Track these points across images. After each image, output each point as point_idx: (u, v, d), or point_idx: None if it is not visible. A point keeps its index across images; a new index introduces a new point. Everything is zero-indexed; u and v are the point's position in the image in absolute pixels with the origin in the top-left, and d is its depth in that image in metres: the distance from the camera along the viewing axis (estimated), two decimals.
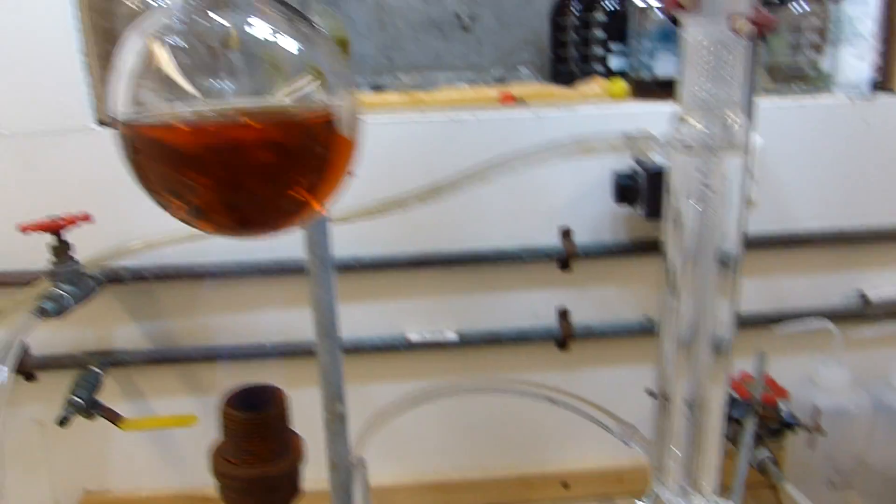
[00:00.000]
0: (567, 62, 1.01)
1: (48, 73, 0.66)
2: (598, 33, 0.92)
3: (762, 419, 0.69)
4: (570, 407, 0.62)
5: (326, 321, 0.54)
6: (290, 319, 0.76)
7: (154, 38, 0.31)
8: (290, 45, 0.32)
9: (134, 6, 0.68)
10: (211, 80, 0.31)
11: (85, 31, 0.66)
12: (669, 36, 0.75)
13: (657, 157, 0.69)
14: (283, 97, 0.31)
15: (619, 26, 0.91)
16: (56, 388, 0.71)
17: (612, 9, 0.92)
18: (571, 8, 1.00)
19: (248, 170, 0.30)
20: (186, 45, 0.31)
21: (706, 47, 0.35)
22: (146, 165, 0.31)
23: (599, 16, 0.92)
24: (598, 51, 0.92)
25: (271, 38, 0.32)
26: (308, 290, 0.53)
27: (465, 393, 0.62)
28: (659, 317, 0.45)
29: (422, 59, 1.25)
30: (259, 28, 0.32)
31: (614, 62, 0.92)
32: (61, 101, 0.67)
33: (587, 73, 0.95)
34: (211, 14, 0.31)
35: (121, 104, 0.32)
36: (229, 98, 0.31)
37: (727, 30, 0.33)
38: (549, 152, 0.46)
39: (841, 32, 0.74)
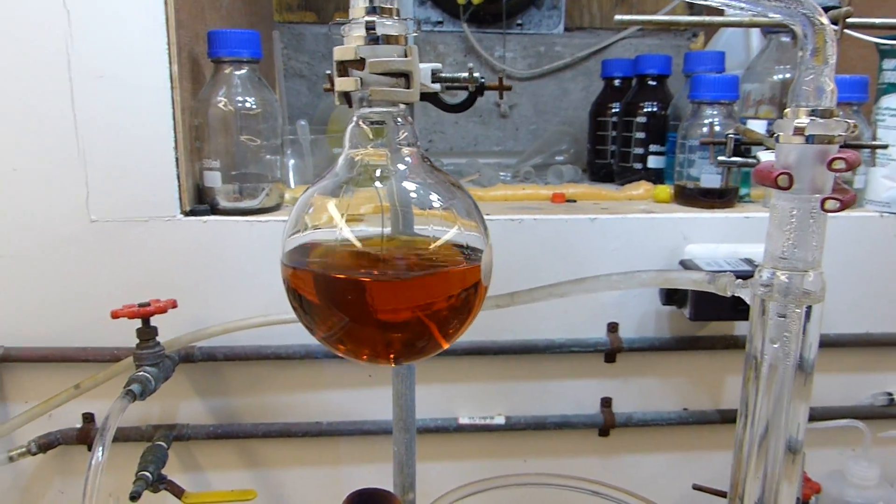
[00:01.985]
0: (606, 158, 1.07)
1: (141, 165, 0.71)
2: (639, 134, 0.98)
3: None
4: (621, 501, 0.65)
5: (407, 416, 0.58)
6: (345, 400, 0.79)
7: (323, 196, 0.36)
8: (438, 201, 0.37)
9: (224, 108, 0.74)
10: (371, 234, 0.35)
11: (178, 128, 0.71)
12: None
13: (704, 266, 0.74)
14: (435, 249, 0.36)
15: (658, 128, 0.98)
16: (122, 460, 0.74)
17: (652, 110, 0.98)
18: (611, 107, 1.06)
19: (406, 322, 0.35)
20: (352, 201, 0.36)
21: (793, 215, 0.40)
22: (308, 306, 0.36)
23: (640, 118, 0.98)
24: (638, 150, 0.98)
25: (423, 197, 0.36)
26: (393, 388, 0.57)
27: (526, 486, 0.66)
28: (738, 417, 0.48)
29: (461, 143, 1.32)
30: (412, 187, 0.37)
31: (653, 161, 0.98)
32: (151, 191, 0.71)
33: (625, 169, 1.01)
34: (375, 183, 0.35)
35: (288, 249, 0.36)
36: (388, 251, 0.35)
37: (816, 206, 0.38)
38: (629, 279, 0.51)
39: (873, 155, 0.80)
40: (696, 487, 0.71)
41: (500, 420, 0.81)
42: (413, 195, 0.37)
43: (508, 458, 0.84)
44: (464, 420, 0.80)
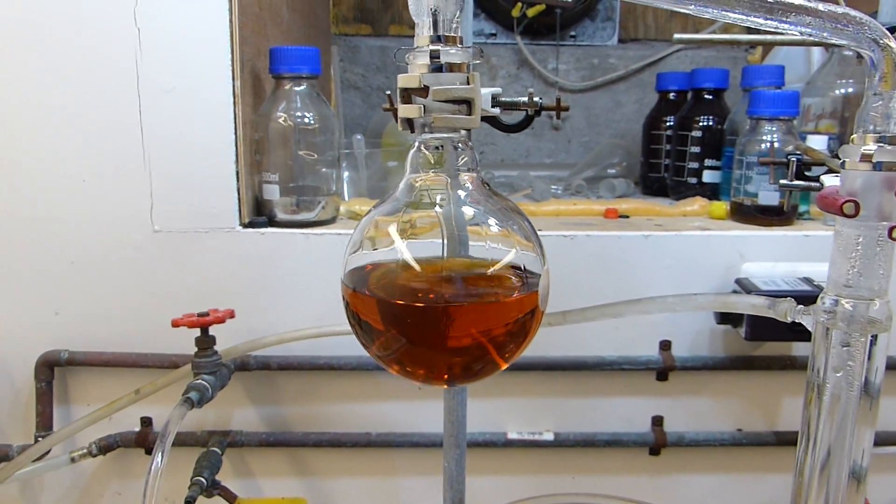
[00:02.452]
0: (660, 171, 1.06)
1: (204, 177, 0.73)
2: (694, 148, 0.97)
3: None
4: None
5: (457, 432, 0.58)
6: (395, 411, 0.80)
7: (385, 219, 0.37)
8: (497, 226, 0.37)
9: (283, 123, 0.75)
10: (431, 258, 0.36)
11: (240, 142, 0.73)
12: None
13: (762, 286, 0.72)
14: (493, 273, 0.36)
15: (714, 143, 0.96)
16: (178, 464, 0.76)
17: (708, 125, 0.97)
18: (665, 120, 1.05)
19: (462, 347, 0.35)
20: (413, 226, 0.36)
21: (858, 243, 0.39)
22: (366, 327, 0.36)
23: (695, 132, 0.97)
24: (693, 164, 0.97)
25: (482, 221, 0.37)
26: (444, 404, 0.57)
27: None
28: (798, 440, 0.47)
29: (512, 155, 1.32)
30: (471, 213, 0.37)
31: (708, 176, 0.97)
32: (212, 203, 0.74)
33: (680, 184, 0.99)
34: (436, 208, 0.36)
35: (348, 269, 0.37)
36: (447, 276, 0.36)
37: (883, 234, 0.37)
38: (686, 302, 0.50)
39: None
40: None
41: (549, 436, 0.81)
42: (472, 220, 0.37)
43: (557, 474, 0.83)
44: (512, 435, 0.80)
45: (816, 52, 1.03)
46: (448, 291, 0.36)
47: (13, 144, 0.72)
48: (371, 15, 1.32)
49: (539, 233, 0.76)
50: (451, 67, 0.36)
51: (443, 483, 0.60)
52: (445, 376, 0.37)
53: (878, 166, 0.38)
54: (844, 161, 0.39)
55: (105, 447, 0.75)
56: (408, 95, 0.36)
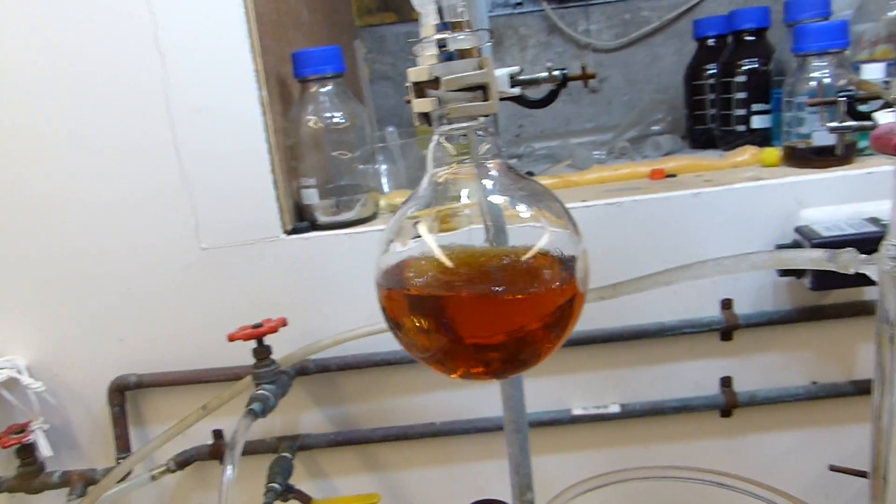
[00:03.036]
0: (706, 123, 1.02)
1: (243, 190, 0.74)
2: (739, 94, 0.92)
3: None
4: (749, 493, 0.62)
5: (517, 418, 0.58)
6: (456, 399, 0.80)
7: (412, 217, 0.36)
8: (527, 211, 0.36)
9: (314, 126, 0.75)
10: (463, 252, 0.35)
11: (273, 150, 0.74)
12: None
13: (824, 232, 0.69)
14: (528, 262, 0.35)
15: (760, 86, 0.91)
16: (250, 473, 0.78)
17: (753, 68, 0.92)
18: (707, 69, 1.01)
19: (507, 339, 0.34)
20: (441, 221, 0.35)
21: None
22: (403, 328, 0.36)
23: (739, 77, 0.92)
24: (740, 111, 0.93)
25: (512, 209, 0.36)
26: (501, 390, 0.57)
27: (651, 479, 0.64)
28: (873, 387, 0.44)
29: (552, 124, 1.29)
30: (500, 201, 0.36)
31: (757, 121, 0.92)
32: (255, 214, 0.74)
33: (728, 133, 0.95)
34: (463, 200, 0.35)
35: (381, 272, 0.37)
36: (480, 270, 0.35)
37: None
38: (740, 263, 0.48)
39: None
40: (834, 469, 0.66)
41: (616, 408, 0.79)
42: (501, 208, 0.36)
43: (626, 446, 0.82)
44: (577, 411, 0.79)
45: None
46: (483, 286, 0.35)
47: (60, 186, 0.74)
48: (395, 1, 1.31)
49: (583, 203, 0.75)
50: (462, 54, 0.34)
51: (509, 469, 0.60)
52: (491, 372, 0.37)
53: None
54: None
55: (182, 462, 0.78)
56: (420, 89, 0.35)
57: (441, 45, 0.34)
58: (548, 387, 0.79)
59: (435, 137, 0.37)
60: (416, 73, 0.35)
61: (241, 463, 0.80)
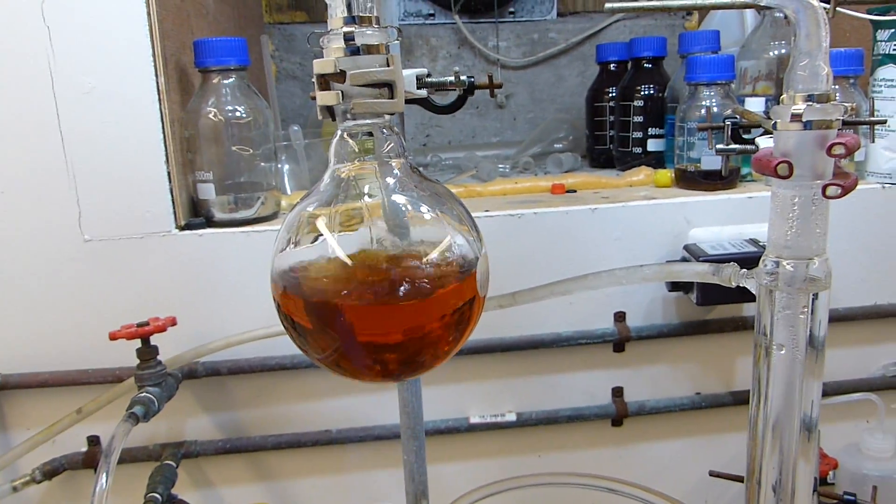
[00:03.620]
0: (605, 143, 1.06)
1: (133, 180, 0.70)
2: (637, 118, 0.97)
3: (821, 495, 0.71)
4: (637, 497, 0.65)
5: (414, 424, 0.57)
6: (353, 406, 0.79)
7: (311, 213, 0.35)
8: (429, 213, 0.36)
9: (214, 119, 0.72)
10: (361, 252, 0.34)
11: (168, 141, 0.70)
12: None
13: (710, 250, 0.73)
14: (428, 263, 0.35)
15: (656, 111, 0.96)
16: (132, 482, 0.74)
17: (649, 93, 0.96)
18: (607, 92, 1.05)
19: (404, 339, 0.34)
20: (341, 218, 0.35)
21: (794, 203, 0.38)
22: (300, 329, 0.35)
23: (637, 101, 0.97)
24: (637, 134, 0.97)
25: (414, 209, 0.35)
26: (398, 396, 0.56)
27: (541, 486, 0.65)
28: (750, 398, 0.47)
29: (459, 136, 1.31)
30: (402, 200, 0.35)
31: (652, 144, 0.97)
32: (145, 207, 0.70)
33: (625, 154, 0.99)
34: (364, 198, 0.34)
35: (278, 269, 0.35)
36: (378, 270, 0.34)
37: (818, 193, 0.37)
38: (632, 274, 0.50)
39: (872, 129, 0.78)
40: (713, 474, 0.70)
41: (512, 417, 0.80)
42: (403, 207, 0.36)
43: (522, 454, 0.83)
44: (475, 419, 0.80)
45: (749, 15, 1.04)
46: (382, 286, 0.34)
47: None
48: (306, 1, 1.29)
49: (486, 213, 0.76)
50: (369, 49, 0.34)
51: (404, 476, 0.59)
52: (389, 374, 0.36)
53: (808, 125, 0.37)
54: (776, 122, 0.39)
55: (50, 472, 0.72)
56: (325, 82, 0.34)
57: (348, 38, 0.34)
58: (446, 395, 0.79)
59: (338, 132, 0.36)
60: (321, 65, 0.34)
61: (120, 472, 0.75)
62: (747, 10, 1.00)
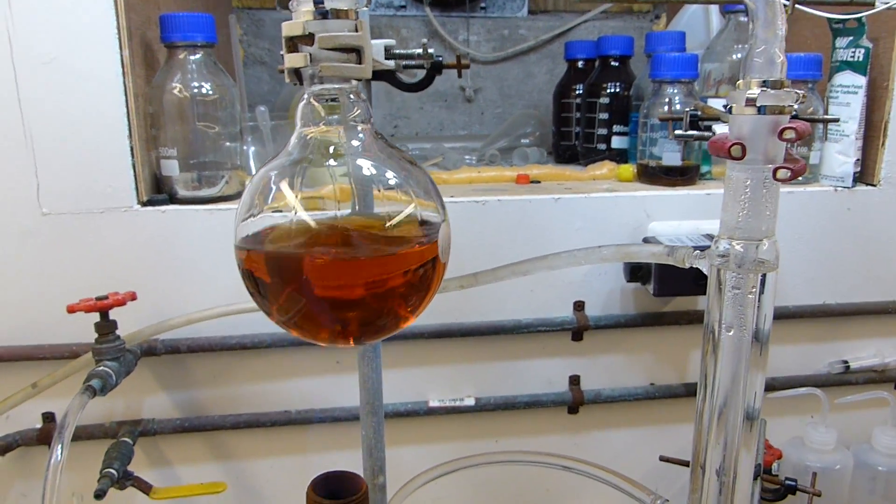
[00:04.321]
0: (570, 139, 1.08)
1: (94, 154, 0.69)
2: (602, 115, 0.98)
3: (765, 482, 0.74)
4: (592, 475, 0.66)
5: (374, 399, 0.58)
6: (313, 387, 0.79)
7: (277, 175, 0.35)
8: (394, 178, 0.36)
9: (179, 95, 0.72)
10: (326, 212, 0.35)
11: (132, 116, 0.69)
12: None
13: (667, 242, 0.75)
14: (391, 225, 0.35)
15: (621, 109, 0.98)
16: (85, 458, 0.73)
17: (615, 91, 0.98)
18: (574, 89, 1.06)
19: (362, 300, 0.34)
20: (306, 180, 0.35)
21: (747, 186, 0.40)
22: (263, 288, 0.35)
23: (603, 98, 0.98)
24: (602, 131, 0.99)
25: (378, 173, 0.36)
26: (358, 372, 0.57)
27: (494, 464, 0.66)
28: (698, 389, 0.49)
29: (426, 128, 1.31)
30: (366, 164, 0.36)
31: (616, 142, 0.98)
32: (106, 182, 0.70)
33: (590, 150, 1.01)
34: (329, 160, 0.35)
35: (242, 232, 0.36)
36: (343, 229, 0.35)
37: (769, 176, 0.39)
38: (591, 255, 0.51)
39: (828, 132, 0.81)
40: (663, 459, 0.72)
41: (471, 401, 0.81)
42: (368, 172, 0.36)
43: (479, 438, 0.84)
44: (434, 403, 0.80)
45: (715, 19, 1.07)
46: (345, 245, 0.35)
47: None
48: None
49: (451, 199, 0.76)
50: (338, 14, 0.34)
51: (362, 452, 0.59)
52: (349, 335, 0.37)
53: (762, 110, 0.39)
54: (731, 107, 0.40)
55: (3, 447, 0.70)
56: (293, 44, 0.34)
57: (317, 1, 0.34)
58: (406, 378, 0.80)
59: (305, 96, 0.36)
60: (290, 28, 0.35)
61: (76, 449, 0.74)
62: (713, 14, 1.03)
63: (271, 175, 0.36)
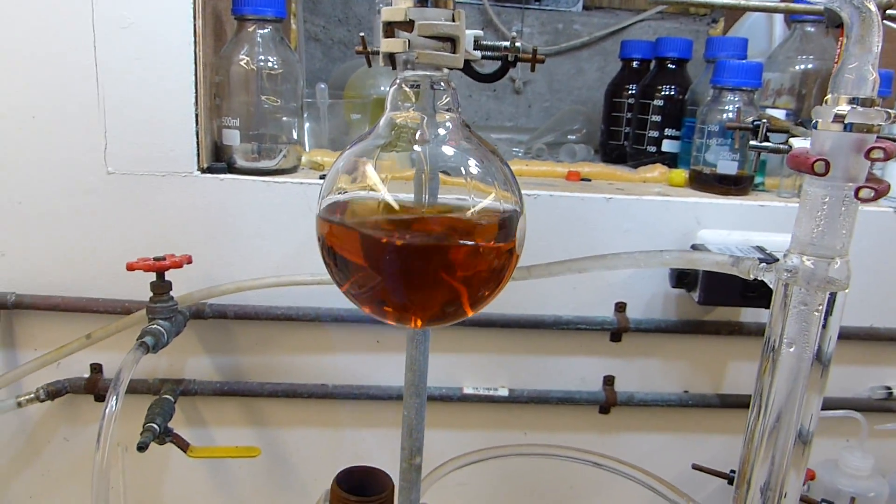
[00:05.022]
0: (619, 139, 1.07)
1: (160, 119, 0.70)
2: (655, 117, 0.98)
3: (801, 501, 0.74)
4: (626, 475, 0.66)
5: (419, 382, 0.58)
6: (351, 364, 0.80)
7: (364, 156, 0.36)
8: (476, 167, 0.37)
9: (245, 67, 0.73)
10: (410, 196, 0.35)
11: (199, 84, 0.71)
12: (733, 135, 0.81)
13: (717, 251, 0.74)
14: (472, 215, 0.36)
15: (675, 112, 0.97)
16: (130, 412, 0.75)
17: (670, 94, 0.98)
18: (628, 88, 1.06)
19: (438, 287, 0.35)
20: (392, 163, 0.36)
21: (825, 202, 0.40)
22: (342, 264, 0.36)
23: (657, 101, 0.98)
24: (653, 133, 0.98)
25: (461, 162, 0.37)
26: (406, 353, 0.57)
27: (524, 456, 0.67)
28: (751, 404, 0.49)
29: (473, 117, 1.31)
30: (450, 152, 0.37)
31: (667, 145, 0.98)
32: (169, 147, 0.71)
33: (639, 152, 1.00)
34: (415, 146, 0.35)
35: (326, 205, 0.36)
36: (425, 215, 0.36)
37: (850, 194, 0.38)
38: (652, 258, 0.51)
39: None
40: (696, 467, 0.72)
41: (504, 392, 0.82)
42: (451, 160, 0.37)
43: (510, 429, 0.85)
44: (468, 390, 0.81)
45: (778, 27, 1.05)
46: (425, 230, 0.36)
47: None
48: None
49: None
50: (437, 3, 0.35)
51: (402, 432, 0.60)
52: (418, 316, 0.37)
53: (848, 127, 0.39)
54: (817, 122, 0.40)
55: (53, 392, 0.73)
56: (391, 29, 0.35)
57: None
58: (443, 364, 0.81)
59: (397, 81, 0.37)
60: (390, 13, 0.35)
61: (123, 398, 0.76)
62: (777, 21, 1.02)
63: (359, 155, 0.36)
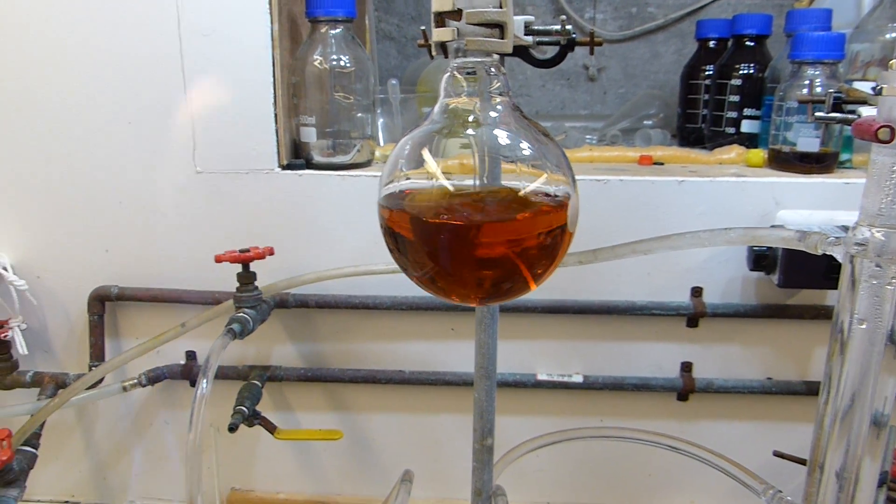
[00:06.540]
0: (697, 122, 1.05)
1: (242, 119, 0.75)
2: (733, 97, 0.95)
3: (891, 491, 0.70)
4: (704, 459, 0.66)
5: (488, 364, 0.60)
6: (427, 351, 0.82)
7: (420, 142, 0.38)
8: (528, 149, 0.38)
9: (319, 67, 0.76)
10: (465, 178, 0.37)
11: (277, 85, 0.75)
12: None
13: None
14: (524, 194, 0.37)
15: (754, 91, 0.94)
16: (220, 396, 0.80)
17: (748, 72, 0.95)
18: (704, 69, 1.03)
19: (495, 260, 0.36)
20: (447, 147, 0.37)
21: (893, 171, 0.39)
22: (403, 246, 0.38)
23: (735, 80, 0.95)
24: (732, 114, 0.95)
25: (514, 144, 0.38)
26: (476, 337, 0.59)
27: (601, 439, 0.67)
28: (821, 388, 0.47)
29: (547, 106, 1.31)
30: (503, 135, 0.38)
31: (746, 125, 0.95)
32: (252, 145, 0.75)
33: (717, 134, 0.98)
34: (468, 130, 0.37)
35: (385, 192, 0.39)
36: (480, 195, 0.37)
37: None
38: (716, 237, 0.51)
39: None
40: (777, 454, 0.70)
41: (579, 378, 0.82)
42: (504, 142, 0.38)
43: (585, 416, 0.85)
44: (542, 377, 0.82)
45: None
46: (480, 207, 0.37)
47: (62, 88, 0.75)
48: None
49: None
50: None
51: (473, 413, 0.62)
52: (479, 294, 0.39)
53: None
54: (882, 87, 0.39)
55: (153, 378, 0.79)
56: (441, 19, 0.36)
57: None
58: (517, 350, 0.82)
59: (449, 69, 0.39)
60: (439, 3, 0.37)
61: (212, 386, 0.82)
62: None
63: (416, 141, 0.38)
